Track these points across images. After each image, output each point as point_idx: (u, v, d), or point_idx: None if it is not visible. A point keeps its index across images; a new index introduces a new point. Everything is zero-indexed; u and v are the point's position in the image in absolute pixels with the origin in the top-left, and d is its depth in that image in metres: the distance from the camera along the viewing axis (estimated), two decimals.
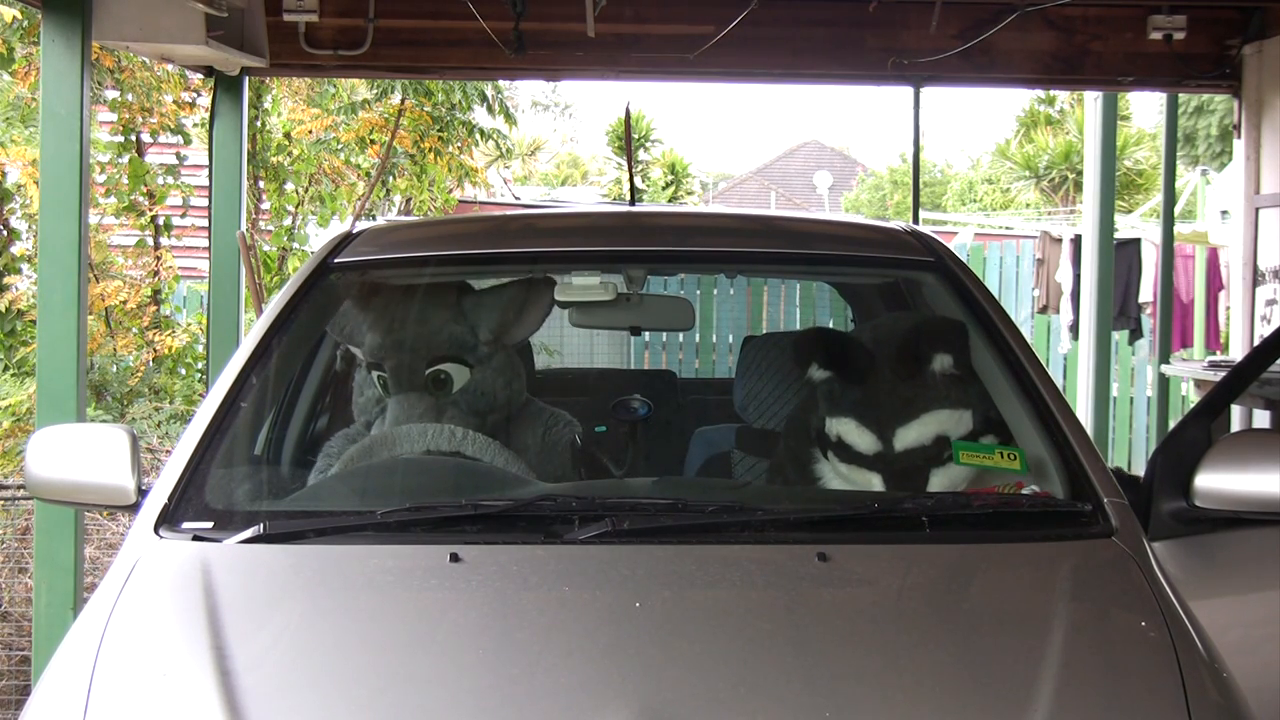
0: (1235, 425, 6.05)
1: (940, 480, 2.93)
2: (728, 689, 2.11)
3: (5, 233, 7.66)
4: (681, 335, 10.78)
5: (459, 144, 9.74)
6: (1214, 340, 11.70)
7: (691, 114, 71.88)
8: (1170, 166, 7.43)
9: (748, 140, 70.49)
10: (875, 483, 2.95)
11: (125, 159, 7.99)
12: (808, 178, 37.13)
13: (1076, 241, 10.06)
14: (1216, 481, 2.72)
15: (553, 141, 36.68)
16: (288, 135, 8.84)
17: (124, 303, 7.83)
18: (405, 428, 3.16)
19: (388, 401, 3.20)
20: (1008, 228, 19.03)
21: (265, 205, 9.07)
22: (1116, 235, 8.51)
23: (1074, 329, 10.24)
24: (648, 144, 30.56)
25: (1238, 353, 6.30)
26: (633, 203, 4.41)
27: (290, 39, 5.97)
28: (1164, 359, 7.99)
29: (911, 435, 2.95)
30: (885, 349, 3.06)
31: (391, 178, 9.65)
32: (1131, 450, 11.09)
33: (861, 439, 2.97)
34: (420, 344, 3.24)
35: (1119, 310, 10.27)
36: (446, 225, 4.76)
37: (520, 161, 30.65)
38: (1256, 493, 2.69)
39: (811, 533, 2.56)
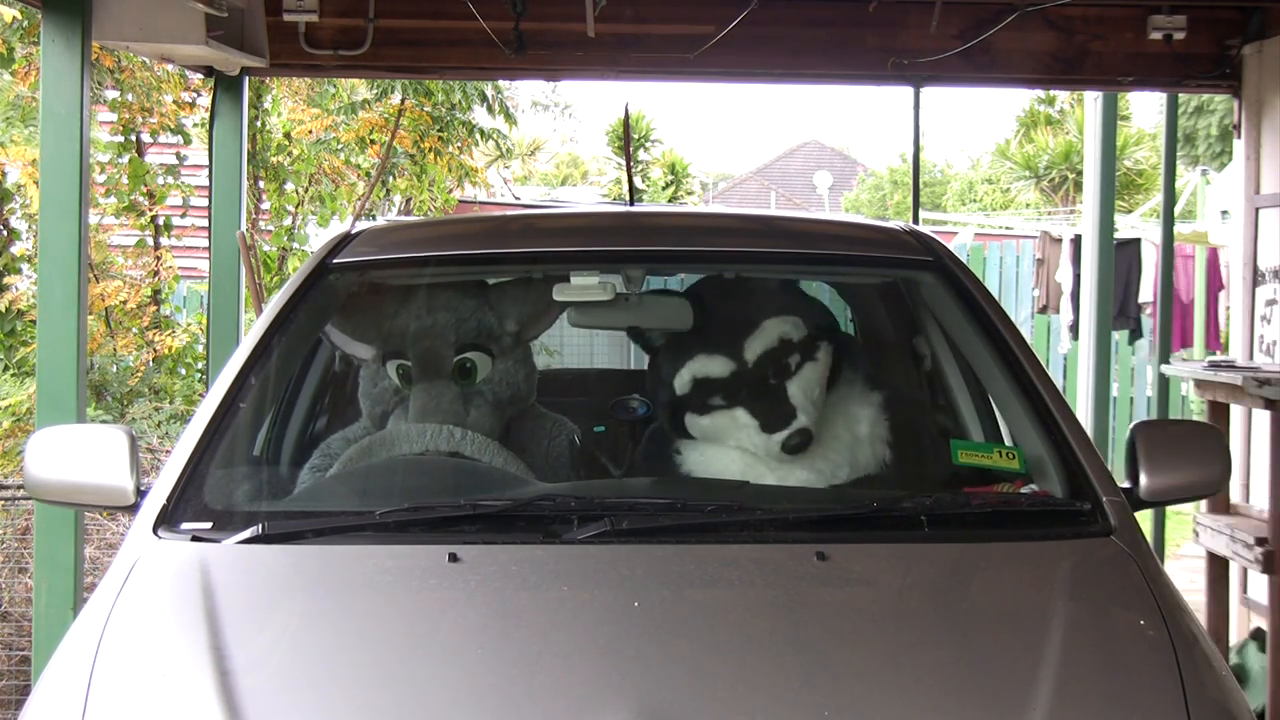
0: (1236, 425, 6.05)
1: (797, 387, 3.02)
2: (727, 688, 2.12)
3: (5, 233, 7.65)
4: None
5: (459, 144, 9.73)
6: (1214, 340, 11.70)
7: (691, 114, 71.90)
8: (1170, 166, 7.42)
9: (748, 140, 70.52)
10: (742, 418, 3.00)
11: (125, 159, 7.98)
12: (808, 178, 37.11)
13: (1076, 241, 10.05)
14: (1163, 478, 2.81)
15: (553, 141, 36.67)
16: (288, 135, 8.83)
17: (124, 303, 7.82)
18: (405, 428, 3.16)
19: (408, 391, 3.20)
20: (1008, 228, 19.02)
21: (265, 205, 9.06)
22: (1116, 235, 8.50)
23: (1074, 329, 10.24)
24: (648, 144, 30.55)
25: (1238, 353, 6.29)
26: (632, 203, 4.41)
27: (290, 39, 5.96)
28: (1164, 359, 7.98)
29: (759, 344, 3.07)
30: (706, 291, 3.30)
31: (391, 178, 9.65)
32: None
33: (713, 364, 3.07)
34: (448, 331, 3.24)
35: (1119, 310, 10.27)
36: (445, 225, 4.76)
37: (520, 161, 30.63)
38: (1197, 480, 2.86)
39: (810, 532, 2.56)
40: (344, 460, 3.09)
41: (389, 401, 3.22)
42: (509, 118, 10.16)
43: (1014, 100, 35.13)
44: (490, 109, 9.67)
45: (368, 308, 3.34)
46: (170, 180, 8.16)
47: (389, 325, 3.28)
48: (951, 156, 41.02)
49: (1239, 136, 6.30)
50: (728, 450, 3.05)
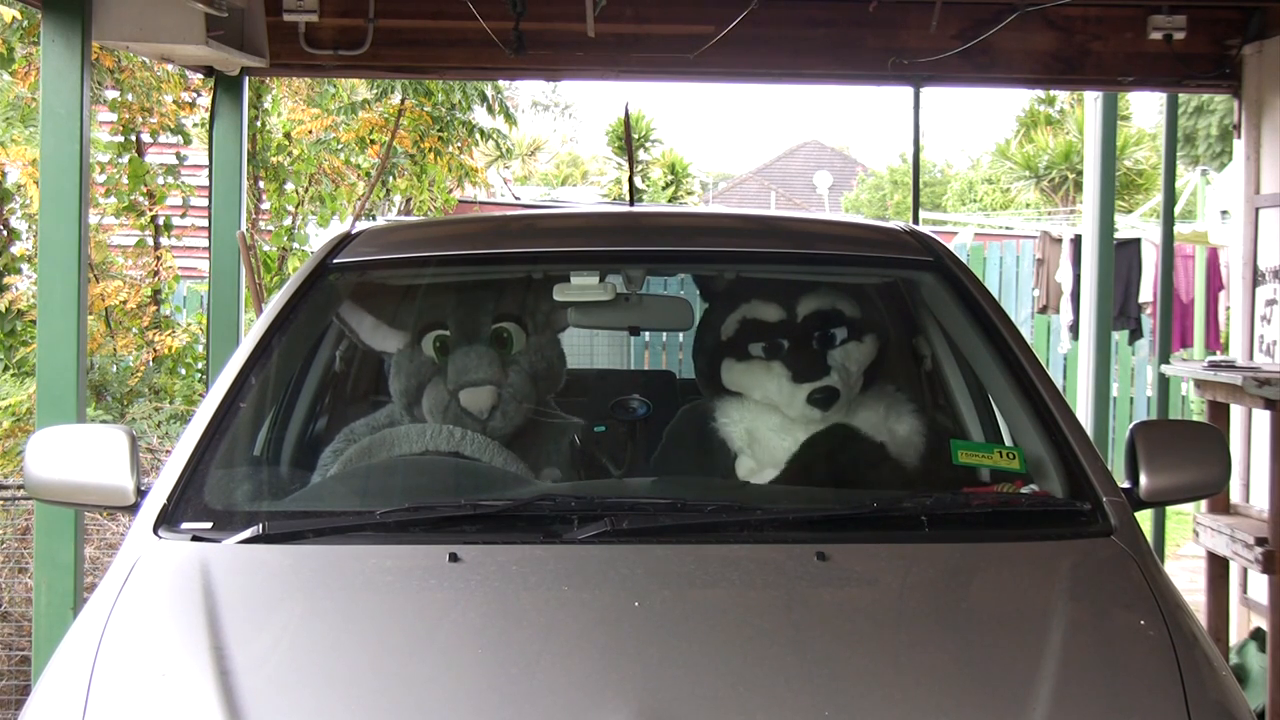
0: (1236, 425, 6.05)
1: (837, 356, 3.09)
2: (726, 688, 2.11)
3: (5, 233, 7.65)
4: (681, 335, 10.77)
5: (459, 144, 9.73)
6: (1214, 340, 11.70)
7: (691, 114, 71.94)
8: (1170, 166, 7.41)
9: (748, 140, 70.55)
10: (777, 368, 3.06)
11: (125, 159, 7.98)
12: (808, 178, 37.11)
13: (1076, 241, 10.05)
14: (1163, 479, 2.82)
15: (553, 141, 36.71)
16: (288, 135, 8.83)
17: (124, 303, 7.82)
18: (404, 428, 3.16)
19: (443, 362, 3.24)
20: (1008, 228, 19.02)
21: (265, 205, 9.06)
22: (1116, 235, 8.50)
23: (1074, 329, 10.24)
24: (648, 144, 30.55)
25: (1238, 353, 6.29)
26: (632, 203, 4.41)
27: (290, 39, 5.96)
28: (1164, 359, 7.98)
29: (812, 303, 3.16)
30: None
31: (391, 178, 9.65)
32: None
33: (765, 310, 3.16)
34: (486, 300, 3.33)
35: (1119, 310, 10.27)
36: (445, 226, 4.76)
37: (520, 161, 30.65)
38: (1197, 480, 2.87)
39: (811, 532, 2.56)
40: (345, 460, 3.10)
41: (425, 374, 3.24)
42: (509, 118, 10.16)
43: (1014, 100, 35.18)
44: (490, 109, 9.67)
45: (398, 295, 3.39)
46: (170, 180, 8.16)
47: (425, 304, 3.34)
48: (951, 156, 41.08)
49: (1239, 136, 6.30)
50: (769, 417, 3.09)
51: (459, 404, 3.17)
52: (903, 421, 3.09)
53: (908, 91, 6.52)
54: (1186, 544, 8.69)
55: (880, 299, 3.45)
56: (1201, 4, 6.05)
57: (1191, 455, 2.87)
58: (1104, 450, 7.51)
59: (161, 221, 8.30)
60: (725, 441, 3.12)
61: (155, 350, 7.80)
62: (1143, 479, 2.80)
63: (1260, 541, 4.95)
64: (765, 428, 3.08)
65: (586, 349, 8.04)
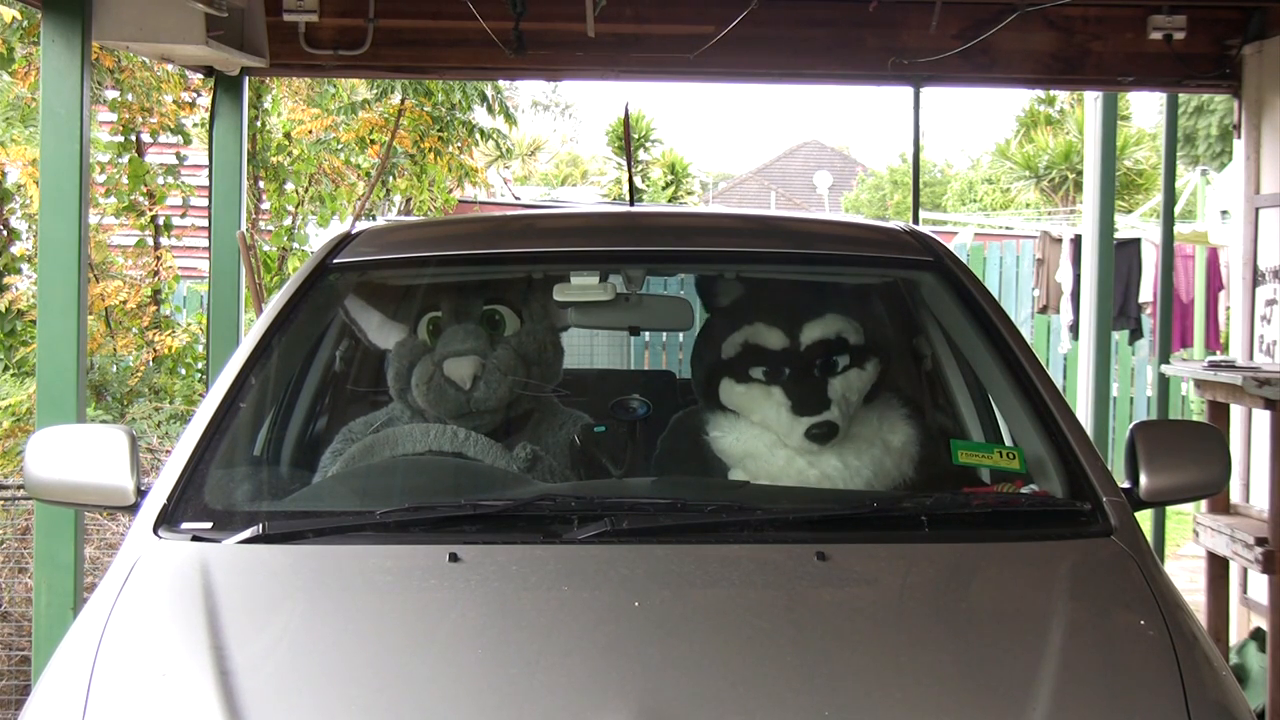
0: (1236, 425, 6.05)
1: (838, 386, 3.05)
2: (726, 688, 2.11)
3: (5, 233, 7.66)
4: (681, 335, 10.77)
5: (459, 144, 9.73)
6: (1214, 340, 11.70)
7: (691, 114, 71.97)
8: (1170, 166, 7.41)
9: (748, 140, 70.58)
10: (777, 395, 3.03)
11: (125, 159, 7.98)
12: (808, 178, 37.11)
13: (1076, 241, 10.05)
14: (1163, 479, 2.82)
15: (553, 141, 36.72)
16: (288, 135, 8.83)
17: (124, 303, 7.82)
18: (407, 427, 3.16)
19: (435, 344, 3.25)
20: (1008, 228, 19.02)
21: (265, 205, 9.06)
22: (1116, 235, 8.50)
23: (1074, 329, 10.23)
24: (648, 144, 30.56)
25: (1238, 353, 6.29)
26: (632, 203, 4.41)
27: (290, 39, 5.96)
28: (1164, 359, 7.98)
29: (816, 331, 3.11)
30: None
31: (391, 178, 9.65)
32: None
33: (769, 335, 3.11)
34: (478, 284, 3.35)
35: (1119, 310, 10.27)
36: (445, 226, 4.76)
37: (520, 161, 30.66)
38: (1197, 480, 2.87)
39: (810, 532, 2.56)
40: (346, 459, 3.09)
41: (416, 354, 3.23)
42: (509, 118, 10.16)
43: (1014, 100, 35.20)
44: (490, 109, 9.67)
45: (397, 295, 3.40)
46: (170, 180, 8.16)
47: (424, 302, 3.34)
48: (951, 156, 41.09)
49: (1239, 136, 6.30)
50: (765, 434, 3.07)
51: (442, 373, 3.17)
52: (897, 431, 3.08)
53: (908, 91, 6.52)
54: (1186, 544, 8.69)
55: (885, 314, 3.43)
56: (1201, 4, 6.05)
57: (1191, 455, 2.87)
58: (1104, 450, 7.50)
59: (161, 221, 8.30)
60: (718, 454, 3.10)
61: (155, 350, 7.80)
62: (1143, 479, 2.80)
63: (1260, 541, 4.95)
64: (759, 444, 3.07)
65: (586, 349, 8.04)
